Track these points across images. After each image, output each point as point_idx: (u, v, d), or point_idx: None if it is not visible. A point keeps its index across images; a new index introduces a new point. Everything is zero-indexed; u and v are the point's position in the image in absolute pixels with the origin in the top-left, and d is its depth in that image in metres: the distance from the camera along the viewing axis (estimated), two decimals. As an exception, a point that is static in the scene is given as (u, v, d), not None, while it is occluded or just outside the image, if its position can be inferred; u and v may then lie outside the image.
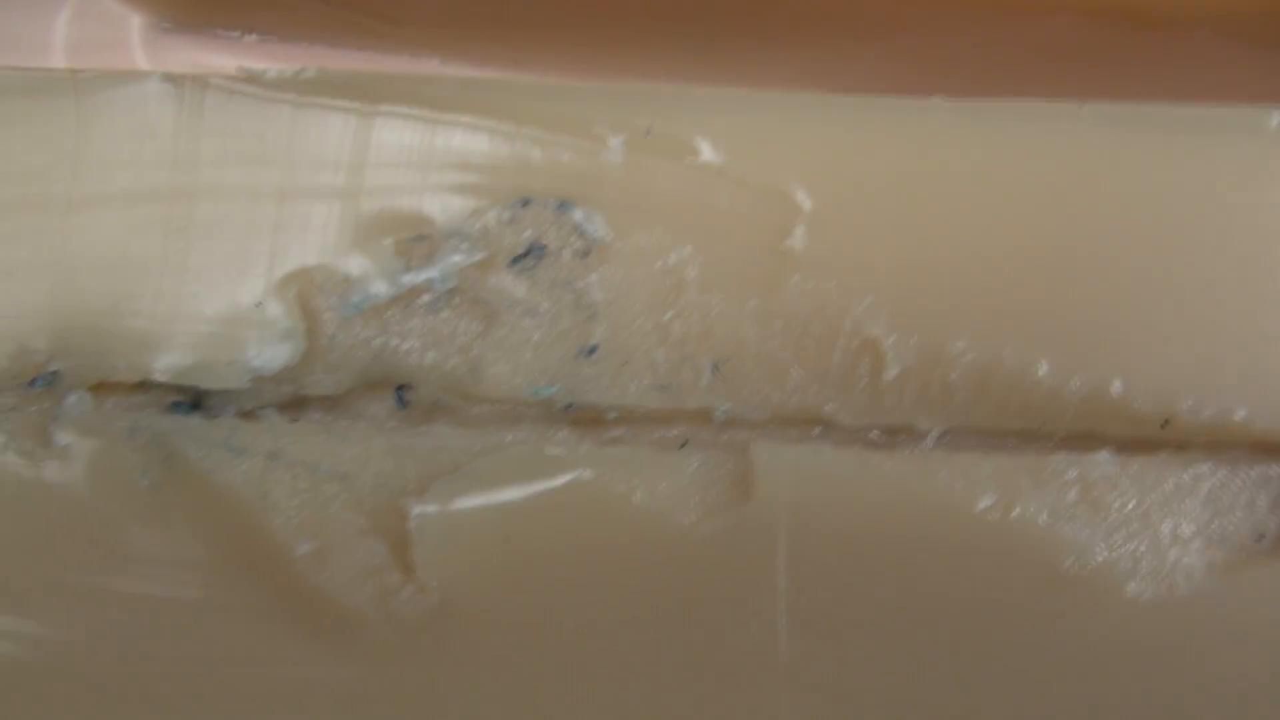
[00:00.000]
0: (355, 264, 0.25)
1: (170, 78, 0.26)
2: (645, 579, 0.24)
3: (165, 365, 0.25)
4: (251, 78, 0.26)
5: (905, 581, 0.24)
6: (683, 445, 0.26)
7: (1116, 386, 0.25)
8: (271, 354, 0.25)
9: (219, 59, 0.37)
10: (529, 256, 0.26)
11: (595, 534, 0.24)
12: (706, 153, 0.26)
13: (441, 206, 0.26)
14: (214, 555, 0.24)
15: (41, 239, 0.25)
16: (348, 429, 0.25)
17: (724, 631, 0.24)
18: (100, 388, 0.25)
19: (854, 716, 0.24)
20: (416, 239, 0.26)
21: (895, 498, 0.24)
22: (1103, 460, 0.25)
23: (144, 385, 0.25)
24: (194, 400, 0.25)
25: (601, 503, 0.24)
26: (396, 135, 0.26)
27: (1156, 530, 0.24)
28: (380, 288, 0.25)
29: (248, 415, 0.26)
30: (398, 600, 0.24)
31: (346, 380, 0.26)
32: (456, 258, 0.26)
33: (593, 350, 0.26)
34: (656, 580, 0.24)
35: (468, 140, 0.26)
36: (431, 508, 0.25)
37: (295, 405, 0.26)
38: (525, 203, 0.26)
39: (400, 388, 0.26)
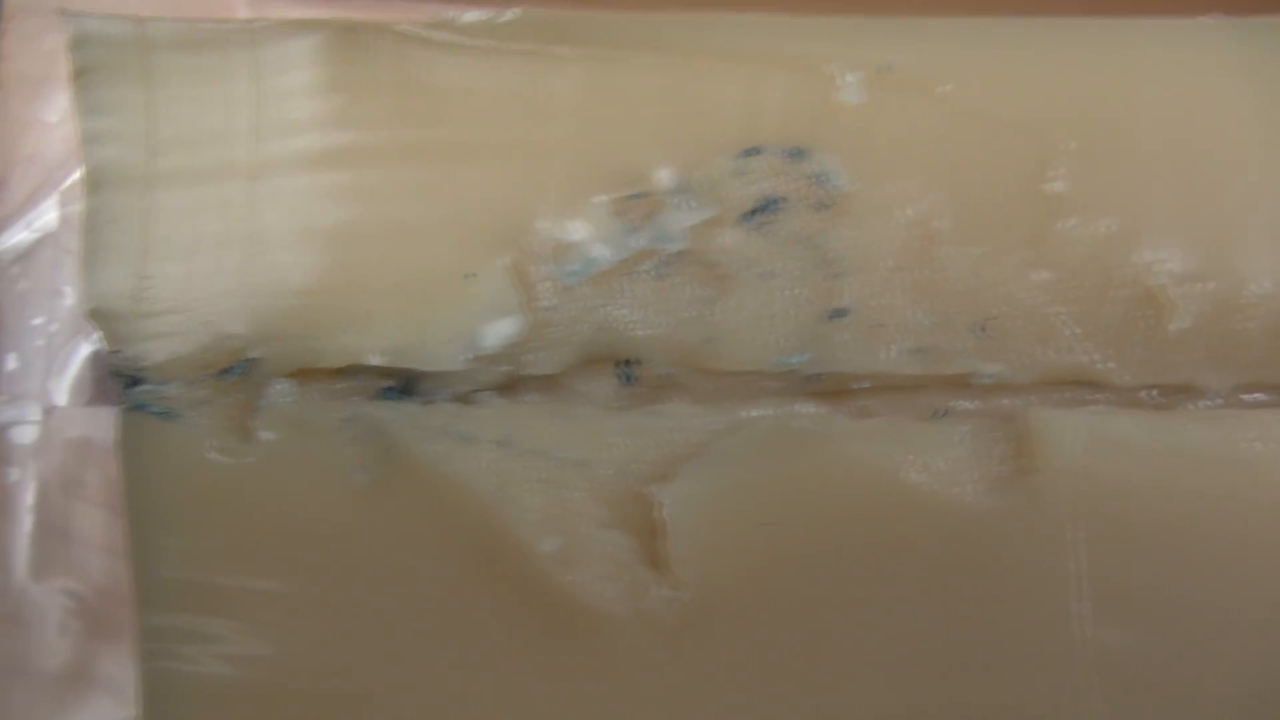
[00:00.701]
0: (571, 228, 0.23)
1: (349, 26, 0.23)
2: (924, 564, 0.22)
3: (374, 347, 0.22)
4: (442, 24, 0.23)
5: (1220, 555, 0.22)
6: (943, 414, 0.23)
7: None
8: (491, 330, 0.22)
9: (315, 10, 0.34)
10: (763, 211, 0.23)
11: (866, 516, 0.22)
12: (953, 89, 0.23)
13: (660, 159, 0.23)
14: (445, 556, 0.22)
15: (229, 210, 0.22)
16: (577, 411, 0.23)
17: (1017, 620, 0.22)
18: (301, 374, 0.23)
19: (1182, 712, 0.22)
20: (634, 197, 0.23)
21: (1194, 463, 0.22)
22: None
23: (346, 371, 0.23)
24: (404, 385, 0.23)
25: (869, 481, 0.22)
26: (608, 80, 0.23)
27: None
28: (600, 253, 0.23)
29: (463, 399, 0.23)
30: (650, 599, 0.22)
31: (568, 357, 0.23)
32: (681, 216, 0.23)
33: (841, 313, 0.23)
34: (937, 565, 0.22)
35: (686, 84, 0.23)
36: (680, 495, 0.22)
37: (510, 387, 0.23)
38: (753, 152, 0.23)
39: (622, 363, 0.23)
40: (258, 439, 0.22)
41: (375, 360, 0.22)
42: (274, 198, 0.22)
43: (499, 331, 0.22)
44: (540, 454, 0.22)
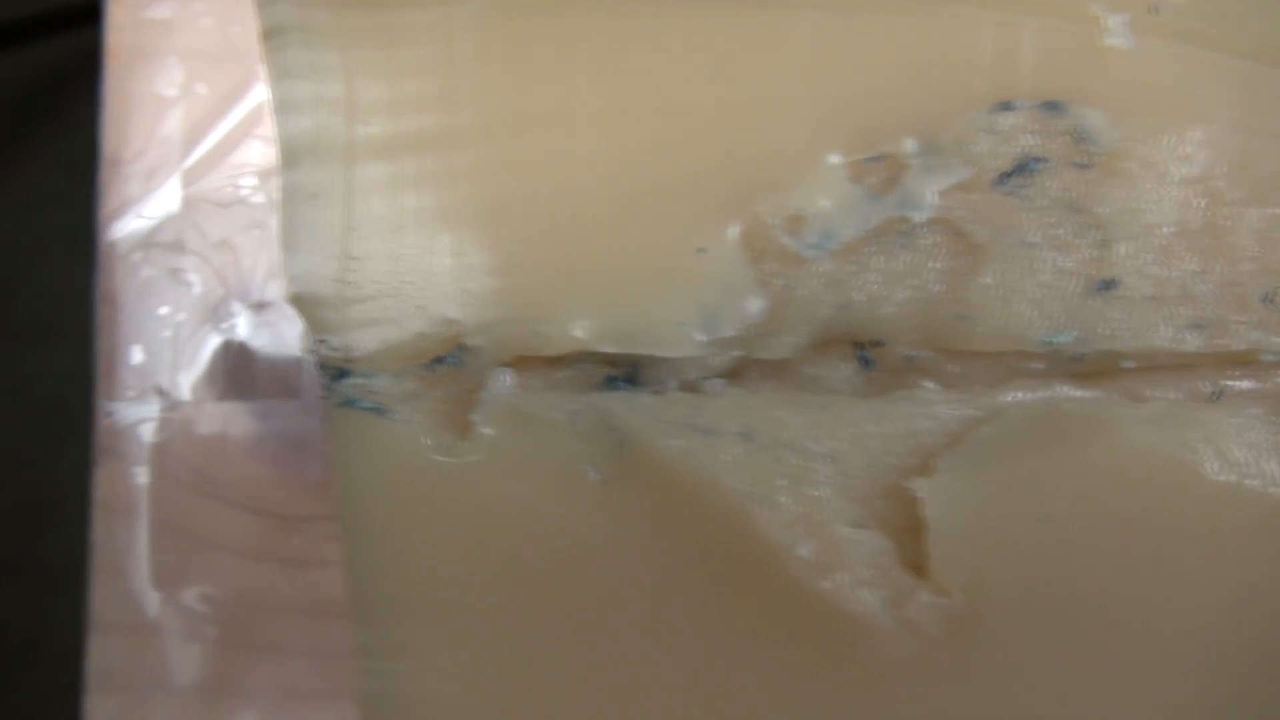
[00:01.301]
0: (806, 194, 0.20)
1: None
2: (1229, 558, 0.20)
3: (601, 331, 0.20)
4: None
5: None
6: (1219, 395, 0.21)
7: None
8: (727, 311, 0.20)
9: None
10: (1020, 173, 0.21)
11: (1158, 509, 0.20)
12: (1232, 30, 0.21)
13: (903, 115, 0.21)
14: (689, 561, 0.20)
15: (437, 184, 0.20)
16: (820, 399, 0.21)
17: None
18: (519, 363, 0.20)
19: None
20: (875, 159, 0.21)
21: None
22: None
23: (563, 359, 0.21)
24: (628, 373, 0.21)
25: (1160, 471, 0.20)
26: (845, 27, 0.21)
27: None
28: (841, 222, 0.20)
29: (692, 388, 0.21)
30: (913, 606, 0.20)
31: (804, 339, 0.21)
32: (929, 179, 0.21)
33: (1110, 285, 0.21)
34: (1243, 559, 0.20)
35: (931, 31, 0.21)
36: (941, 489, 0.20)
37: (737, 373, 0.21)
38: (1006, 106, 0.21)
39: (862, 345, 0.21)
40: (478, 434, 0.20)
41: (604, 346, 0.20)
42: (482, 169, 0.20)
43: (736, 312, 0.20)
44: (787, 447, 0.20)
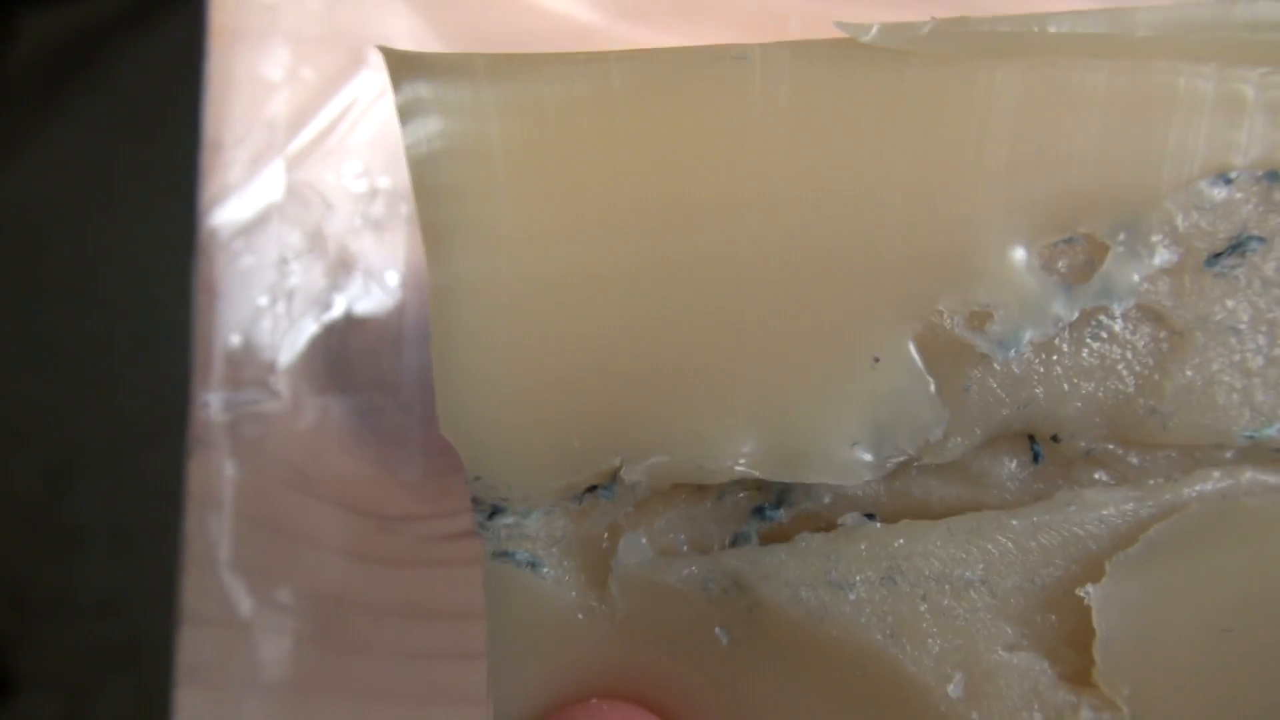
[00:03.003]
0: (992, 287, 0.18)
1: (718, 52, 0.18)
2: None
3: (761, 458, 0.18)
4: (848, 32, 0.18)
5: None
6: None
7: None
8: (903, 429, 0.18)
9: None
10: (1232, 253, 0.19)
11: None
12: None
13: (1102, 190, 0.18)
14: (829, 715, 0.18)
15: (603, 294, 0.18)
16: (970, 520, 0.19)
17: None
18: (664, 499, 0.19)
19: None
20: (1067, 242, 0.19)
21: None
22: None
23: (707, 490, 0.19)
24: (777, 499, 0.19)
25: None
26: (1047, 89, 0.18)
27: None
28: (1034, 319, 0.18)
29: (842, 502, 0.19)
30: None
31: (976, 442, 0.19)
32: (1132, 265, 0.18)
33: (1323, 377, 0.19)
34: None
35: (1130, 92, 0.18)
36: (1109, 595, 0.18)
37: (891, 476, 0.20)
38: (1225, 179, 0.19)
39: (1035, 439, 0.20)
40: (613, 597, 0.18)
41: (769, 473, 0.18)
42: (642, 268, 0.18)
43: (914, 426, 0.18)
44: (935, 580, 0.18)
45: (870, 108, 0.18)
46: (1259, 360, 0.19)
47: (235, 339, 0.30)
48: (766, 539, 0.19)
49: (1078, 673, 0.19)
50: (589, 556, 0.19)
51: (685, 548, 0.19)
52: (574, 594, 0.18)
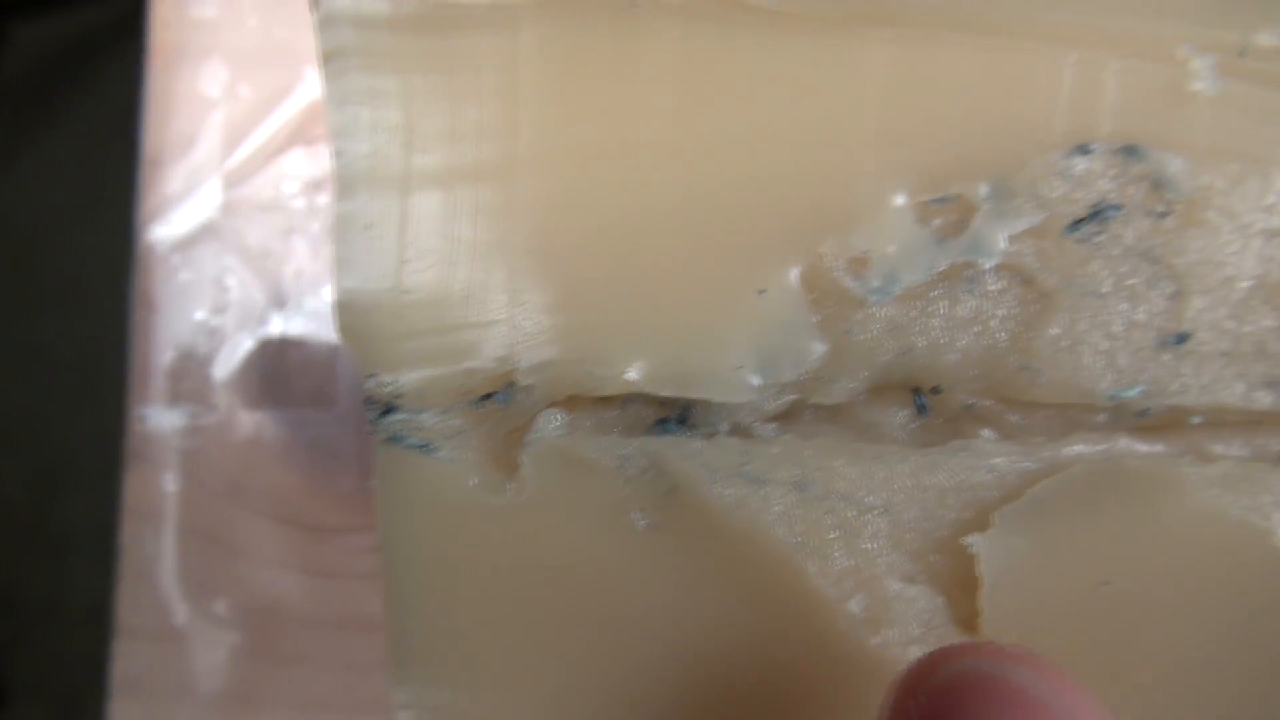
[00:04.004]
0: (870, 236, 0.20)
1: (621, 4, 0.20)
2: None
3: (657, 372, 0.19)
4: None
5: None
6: (1285, 456, 0.20)
7: None
8: (787, 355, 0.19)
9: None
10: (1093, 220, 0.20)
11: (1228, 578, 0.19)
12: (1323, 77, 0.20)
13: (973, 156, 0.20)
14: (737, 614, 0.19)
15: (489, 216, 0.19)
16: (876, 449, 0.20)
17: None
18: (568, 403, 0.20)
19: None
20: (941, 200, 0.20)
21: None
22: None
23: (614, 399, 0.20)
24: (681, 415, 0.20)
25: (1231, 537, 0.19)
26: (920, 62, 0.20)
27: None
28: (906, 266, 0.20)
29: (742, 432, 0.20)
30: (966, 665, 0.19)
31: (862, 384, 0.20)
32: (999, 224, 0.20)
33: (1182, 339, 0.20)
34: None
35: (1007, 69, 0.20)
36: (997, 545, 0.19)
37: (790, 415, 0.21)
38: (1084, 150, 0.20)
39: (919, 391, 0.21)
40: (524, 475, 0.19)
41: (660, 389, 0.19)
42: (541, 201, 0.19)
43: (795, 356, 0.19)
44: (842, 498, 0.19)
45: (754, 68, 0.20)
46: (1120, 324, 0.20)
47: (171, 353, 0.31)
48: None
49: (968, 617, 0.19)
50: (491, 441, 0.19)
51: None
52: (474, 477, 0.19)
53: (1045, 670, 0.14)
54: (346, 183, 0.19)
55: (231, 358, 0.31)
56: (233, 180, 0.30)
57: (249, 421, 0.31)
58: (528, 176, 0.19)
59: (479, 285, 0.19)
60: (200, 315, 0.31)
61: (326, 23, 0.19)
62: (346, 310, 0.19)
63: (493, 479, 0.19)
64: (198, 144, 0.30)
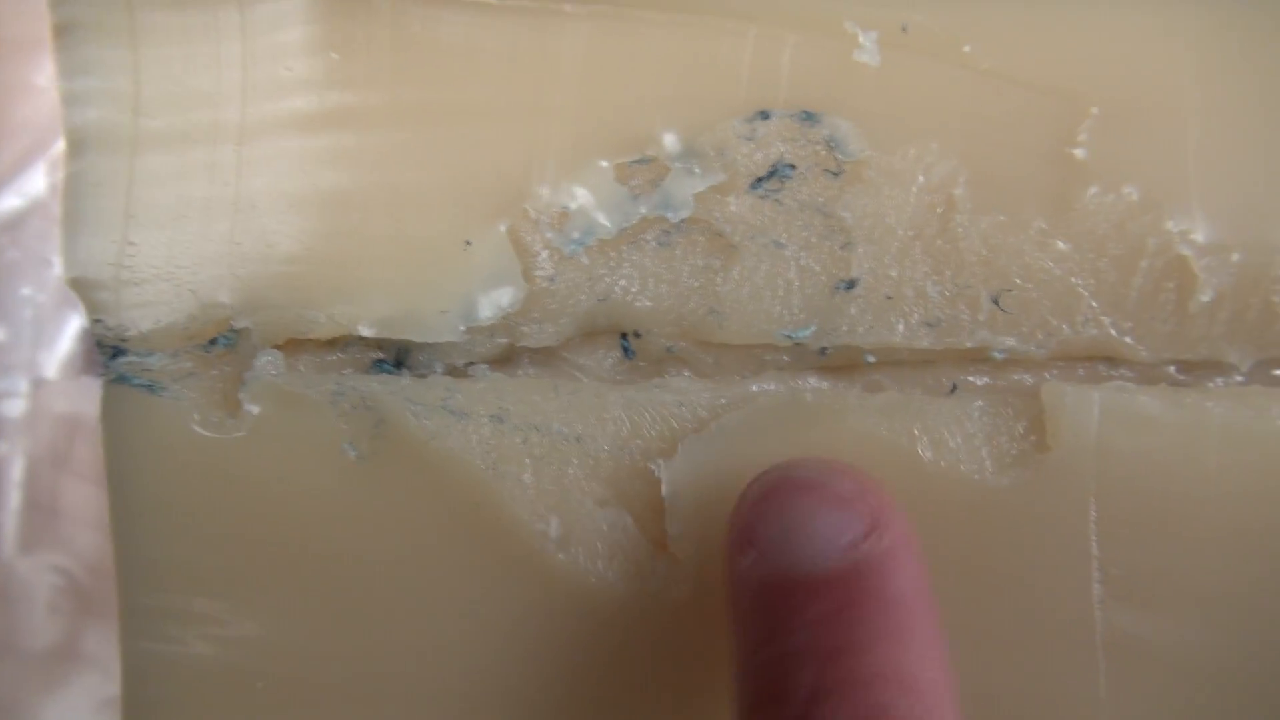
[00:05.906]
0: (572, 194, 0.22)
1: None
2: (936, 542, 0.21)
3: (366, 317, 0.21)
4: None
5: (1237, 538, 0.21)
6: (952, 389, 0.22)
7: None
8: (488, 300, 0.22)
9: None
10: (773, 178, 0.22)
11: (878, 494, 0.21)
12: (974, 50, 0.22)
13: (666, 122, 0.22)
14: (439, 535, 0.21)
15: (215, 174, 0.21)
16: (575, 385, 0.22)
17: (1032, 600, 0.21)
18: (290, 346, 0.22)
19: (1187, 693, 0.21)
20: (639, 161, 0.22)
21: (1216, 441, 0.21)
22: None
23: (336, 342, 0.22)
24: (397, 357, 0.22)
25: (880, 456, 0.21)
26: (614, 39, 0.22)
27: None
28: (602, 220, 0.22)
29: (457, 373, 0.22)
30: (651, 578, 0.21)
31: (567, 328, 0.22)
32: (687, 182, 0.22)
33: (851, 285, 0.22)
34: (949, 543, 0.21)
35: (695, 44, 0.22)
36: (679, 470, 0.21)
37: (505, 359, 0.23)
38: (764, 115, 0.22)
39: (625, 335, 0.23)
40: (245, 413, 0.21)
41: (367, 330, 0.21)
42: (264, 161, 0.21)
43: (496, 301, 0.22)
44: (537, 429, 0.21)
45: (463, 47, 0.22)
46: (794, 272, 0.22)
47: (1, 329, 0.32)
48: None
49: (657, 537, 0.22)
50: (216, 384, 0.21)
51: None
52: (198, 414, 0.21)
53: (830, 463, 0.19)
54: (76, 146, 0.21)
55: (58, 332, 0.33)
56: (57, 165, 0.32)
57: (73, 391, 0.33)
58: (252, 138, 0.21)
59: (200, 237, 0.21)
60: (26, 291, 0.32)
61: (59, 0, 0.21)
62: (74, 263, 0.21)
63: (215, 416, 0.21)
64: (26, 130, 0.32)
